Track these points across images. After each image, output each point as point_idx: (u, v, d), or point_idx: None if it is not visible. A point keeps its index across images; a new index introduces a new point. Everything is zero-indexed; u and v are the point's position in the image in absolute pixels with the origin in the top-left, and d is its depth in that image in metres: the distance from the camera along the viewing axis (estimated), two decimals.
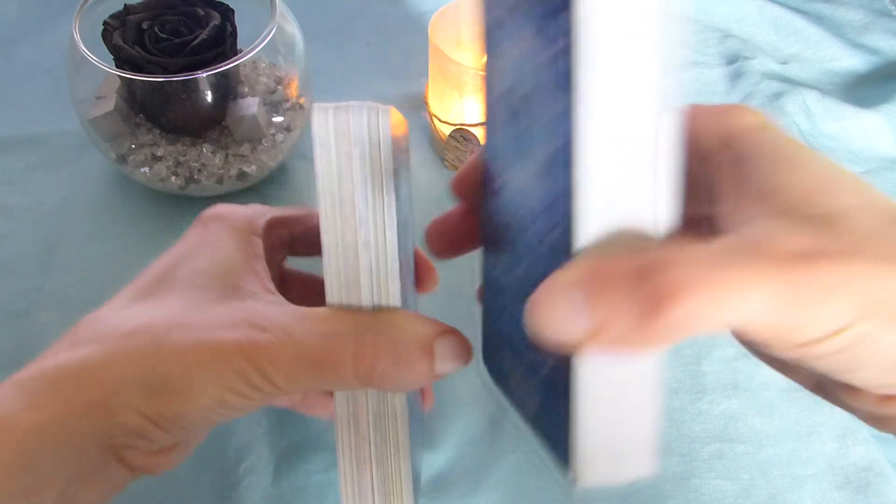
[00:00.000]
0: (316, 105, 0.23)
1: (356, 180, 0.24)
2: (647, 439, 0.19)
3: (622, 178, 0.17)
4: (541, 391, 0.21)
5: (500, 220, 0.23)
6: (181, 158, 0.45)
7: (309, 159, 0.50)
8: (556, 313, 0.17)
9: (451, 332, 0.25)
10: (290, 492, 0.36)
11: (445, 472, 0.37)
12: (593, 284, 0.17)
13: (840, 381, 0.20)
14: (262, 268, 0.28)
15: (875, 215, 0.18)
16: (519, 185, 0.20)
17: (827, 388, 0.22)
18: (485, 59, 0.23)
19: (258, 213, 0.30)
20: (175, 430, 0.24)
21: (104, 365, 0.24)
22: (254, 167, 0.46)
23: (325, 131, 0.24)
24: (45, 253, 0.45)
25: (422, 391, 0.34)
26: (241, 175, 0.46)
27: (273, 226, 0.30)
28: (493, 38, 0.22)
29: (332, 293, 0.25)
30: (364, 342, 0.24)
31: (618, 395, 0.18)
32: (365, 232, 0.24)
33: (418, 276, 0.31)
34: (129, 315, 0.26)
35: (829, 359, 0.18)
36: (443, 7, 0.48)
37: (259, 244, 0.28)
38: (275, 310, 0.26)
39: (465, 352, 0.25)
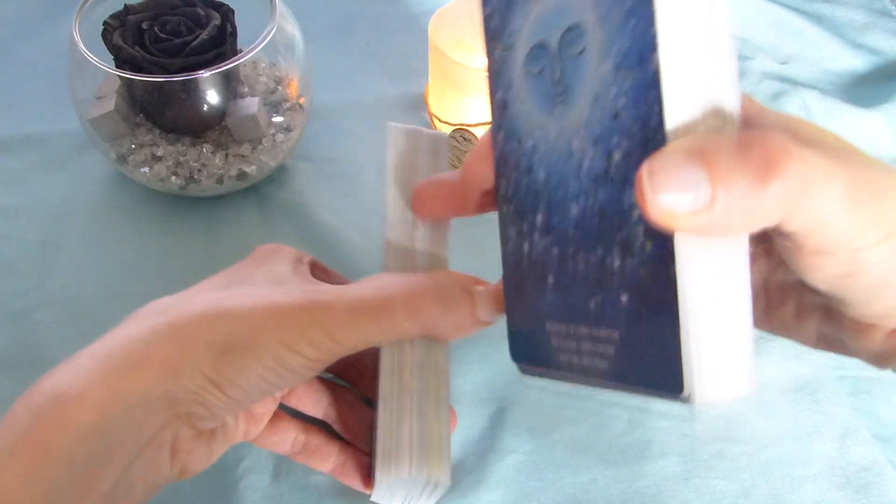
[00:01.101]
0: (390, 123, 0.32)
1: (418, 171, 0.31)
2: (748, 349, 0.19)
3: (701, 63, 0.18)
4: (623, 329, 0.21)
5: (534, 180, 0.24)
6: (181, 158, 0.45)
7: (309, 159, 0.51)
8: (675, 174, 0.17)
9: (486, 282, 0.28)
10: (289, 492, 0.36)
11: None
12: (706, 150, 0.17)
13: (856, 317, 0.21)
14: (315, 280, 0.31)
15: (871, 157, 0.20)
16: (565, 124, 0.22)
17: (831, 337, 0.23)
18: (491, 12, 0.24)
19: (303, 253, 0.33)
20: (234, 394, 0.26)
21: (171, 329, 0.26)
22: (254, 167, 0.46)
23: (397, 136, 0.32)
24: (45, 253, 0.45)
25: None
26: (241, 175, 0.46)
27: (315, 266, 0.33)
28: None
29: (389, 260, 0.30)
30: (412, 287, 0.27)
31: (720, 291, 0.19)
32: None
33: None
34: (189, 295, 0.29)
35: (871, 270, 0.19)
36: (443, 7, 0.48)
37: (307, 270, 0.31)
38: (329, 285, 0.28)
39: (500, 299, 0.27)
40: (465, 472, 0.37)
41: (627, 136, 0.19)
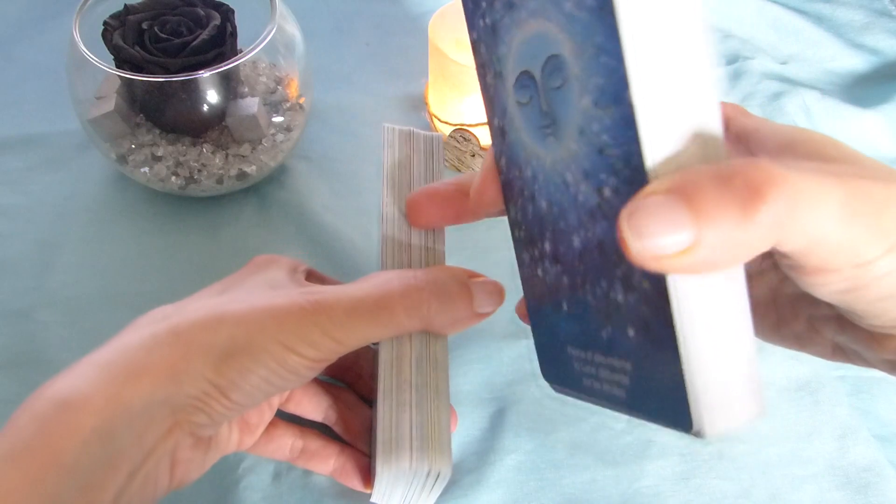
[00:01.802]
0: (385, 123, 0.32)
1: (414, 171, 0.32)
2: (754, 374, 0.19)
3: (679, 94, 0.17)
4: (633, 361, 0.20)
5: (537, 209, 0.23)
6: (181, 158, 0.45)
7: (309, 159, 0.51)
8: (656, 218, 0.16)
9: (482, 276, 0.29)
10: (289, 491, 0.36)
11: None
12: (686, 188, 0.16)
13: (869, 328, 0.21)
14: (312, 284, 0.31)
15: (874, 162, 0.20)
16: (558, 156, 0.21)
17: (847, 347, 0.23)
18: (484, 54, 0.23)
19: (299, 262, 0.33)
20: (237, 398, 0.26)
21: (171, 335, 0.25)
22: (254, 167, 0.46)
23: (393, 137, 0.32)
24: (45, 253, 0.45)
25: None
26: (241, 175, 0.46)
27: (311, 275, 0.33)
28: (498, 24, 0.22)
29: (387, 256, 0.30)
30: (410, 283, 0.27)
31: (719, 325, 0.18)
32: None
33: None
34: (188, 303, 0.28)
35: (879, 283, 0.18)
36: (443, 7, 0.48)
37: (302, 277, 0.31)
38: (327, 286, 0.28)
39: (498, 291, 0.28)
40: (465, 472, 0.37)
41: (613, 173, 0.18)
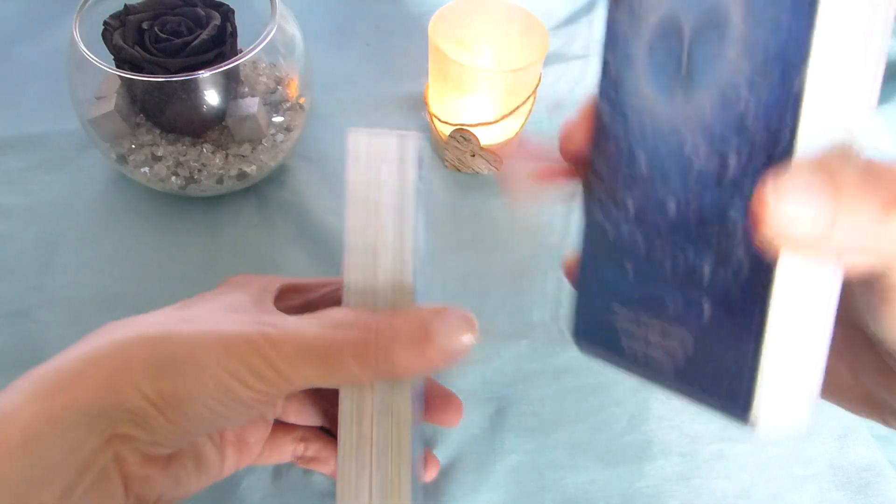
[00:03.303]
0: (351, 129, 0.27)
1: (383, 187, 0.27)
2: (819, 380, 0.19)
3: (848, 84, 0.17)
4: (699, 334, 0.20)
5: (632, 162, 0.22)
6: (181, 158, 0.45)
7: (309, 159, 0.51)
8: (798, 193, 0.16)
9: (445, 309, 0.26)
10: (289, 491, 0.36)
11: (446, 472, 0.37)
12: (833, 172, 0.16)
13: None
14: (274, 311, 0.29)
15: None
16: (681, 112, 0.20)
17: (882, 401, 0.22)
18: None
19: (274, 280, 0.31)
20: (178, 420, 0.25)
21: (111, 348, 0.25)
22: (254, 167, 0.46)
23: (358, 148, 0.27)
24: (45, 253, 0.45)
25: (425, 459, 0.35)
26: (241, 175, 0.46)
27: (286, 291, 0.32)
28: None
29: (349, 292, 0.27)
30: (360, 333, 0.25)
31: (811, 322, 0.18)
32: (384, 236, 0.27)
33: (436, 406, 0.33)
34: (143, 317, 0.28)
35: None
36: (443, 7, 0.48)
37: (270, 299, 0.30)
38: (286, 317, 0.27)
39: (466, 324, 0.25)
40: (465, 472, 0.37)
41: (751, 143, 0.18)
